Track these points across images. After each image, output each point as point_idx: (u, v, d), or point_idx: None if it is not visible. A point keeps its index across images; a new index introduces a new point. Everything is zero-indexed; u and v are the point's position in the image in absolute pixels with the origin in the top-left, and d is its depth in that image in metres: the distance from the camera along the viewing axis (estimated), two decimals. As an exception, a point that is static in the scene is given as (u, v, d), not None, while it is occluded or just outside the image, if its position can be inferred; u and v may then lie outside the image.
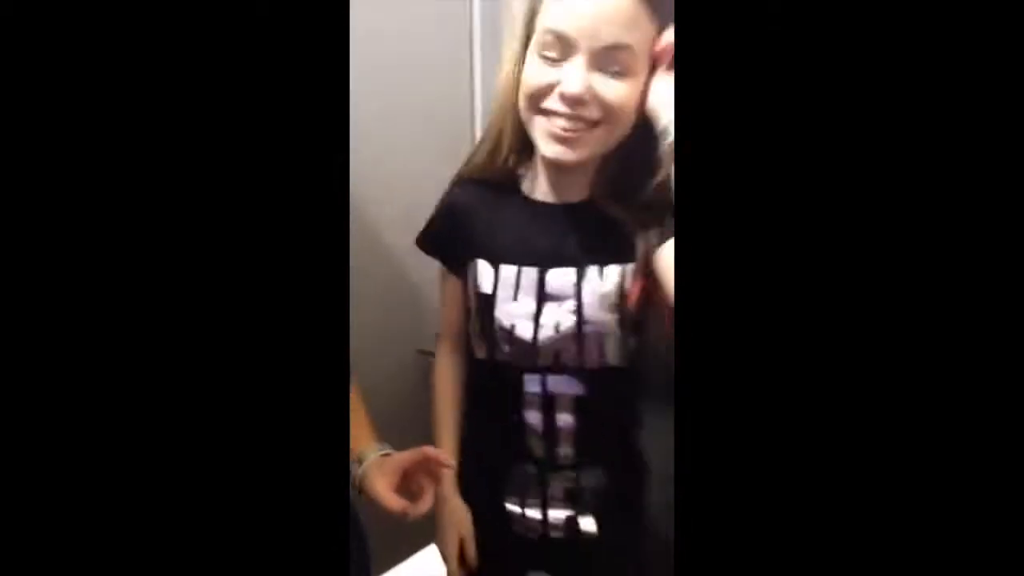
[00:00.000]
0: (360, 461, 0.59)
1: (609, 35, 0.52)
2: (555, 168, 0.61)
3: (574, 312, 0.60)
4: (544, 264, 0.61)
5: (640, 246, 0.59)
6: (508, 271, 0.62)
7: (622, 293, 0.60)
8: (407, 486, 0.57)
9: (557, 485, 0.66)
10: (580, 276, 0.60)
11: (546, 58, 0.54)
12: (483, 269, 0.63)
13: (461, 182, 0.67)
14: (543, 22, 0.54)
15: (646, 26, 0.53)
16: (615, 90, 0.53)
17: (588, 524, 0.67)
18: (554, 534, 0.67)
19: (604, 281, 0.60)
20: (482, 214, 0.64)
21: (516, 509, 0.67)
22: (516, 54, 0.57)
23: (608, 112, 0.54)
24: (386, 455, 0.59)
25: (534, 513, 0.67)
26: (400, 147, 1.00)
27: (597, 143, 0.56)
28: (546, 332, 0.61)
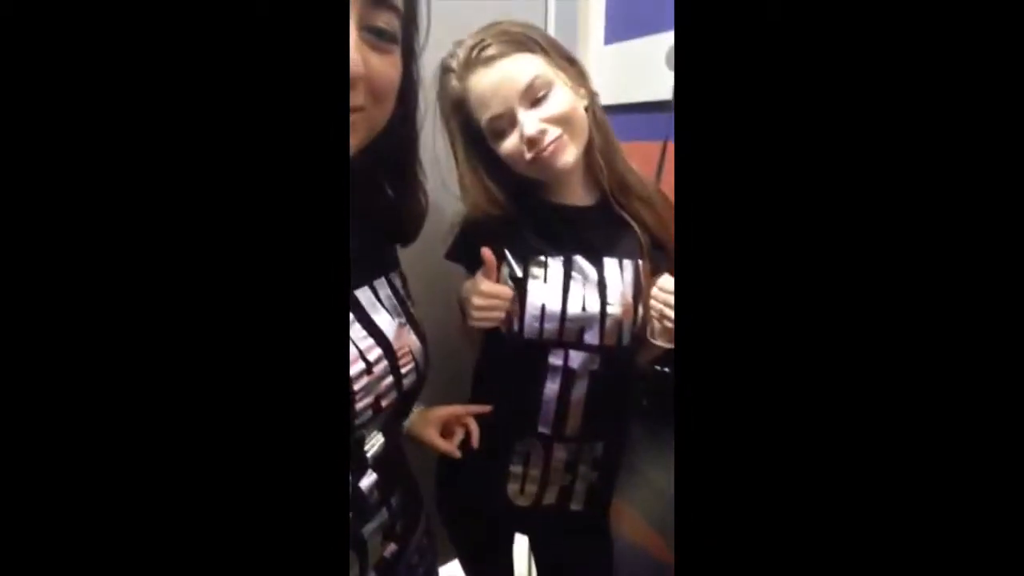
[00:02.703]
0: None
1: (522, 84, 0.64)
2: (559, 178, 0.71)
3: (599, 295, 0.70)
4: (569, 253, 0.71)
5: (644, 245, 0.72)
6: (538, 258, 0.71)
7: (638, 284, 0.71)
8: (444, 432, 0.73)
9: (560, 455, 0.75)
10: (602, 265, 0.71)
11: (500, 134, 0.67)
12: (513, 260, 0.71)
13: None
14: (479, 117, 0.67)
15: (533, 55, 0.66)
16: (551, 109, 0.65)
17: (578, 500, 0.78)
18: (547, 500, 0.77)
19: (624, 272, 0.71)
20: (505, 223, 0.72)
21: (518, 474, 0.76)
22: (465, 150, 0.71)
23: (561, 123, 0.66)
24: (423, 409, 0.75)
25: (534, 479, 0.76)
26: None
27: (575, 146, 0.68)
28: (574, 310, 0.69)
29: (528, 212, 0.73)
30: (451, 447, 0.72)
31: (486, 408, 0.75)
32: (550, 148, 0.65)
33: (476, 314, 0.68)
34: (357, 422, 0.47)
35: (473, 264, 0.76)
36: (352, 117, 0.40)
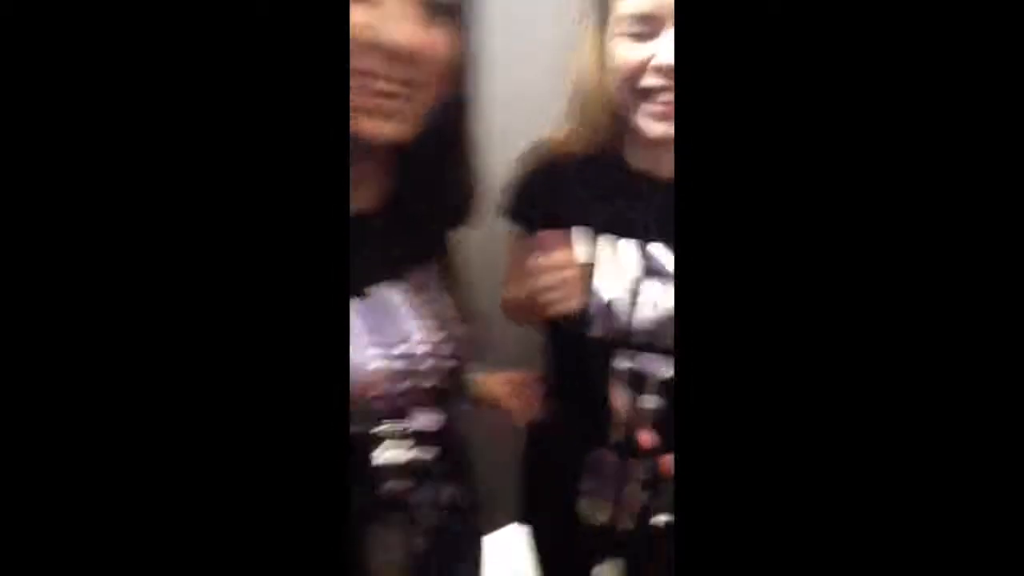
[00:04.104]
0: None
1: None
2: (657, 145, 0.56)
3: (676, 294, 0.57)
4: (645, 237, 0.58)
5: None
6: (607, 242, 0.59)
7: None
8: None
9: (636, 472, 0.64)
10: None
11: (634, 37, 0.52)
12: (579, 239, 0.59)
13: (553, 157, 0.63)
14: (622, 8, 0.52)
15: None
16: None
17: (659, 516, 0.66)
18: (624, 525, 0.66)
19: None
20: (576, 184, 0.60)
21: (590, 490, 0.67)
22: (594, 38, 0.56)
23: None
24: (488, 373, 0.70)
25: (608, 497, 0.66)
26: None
27: None
28: (644, 309, 0.58)
29: (603, 171, 0.59)
30: (520, 406, 0.67)
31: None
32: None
33: (548, 296, 0.54)
34: (399, 403, 0.48)
35: (534, 225, 0.63)
36: (399, 91, 0.40)
